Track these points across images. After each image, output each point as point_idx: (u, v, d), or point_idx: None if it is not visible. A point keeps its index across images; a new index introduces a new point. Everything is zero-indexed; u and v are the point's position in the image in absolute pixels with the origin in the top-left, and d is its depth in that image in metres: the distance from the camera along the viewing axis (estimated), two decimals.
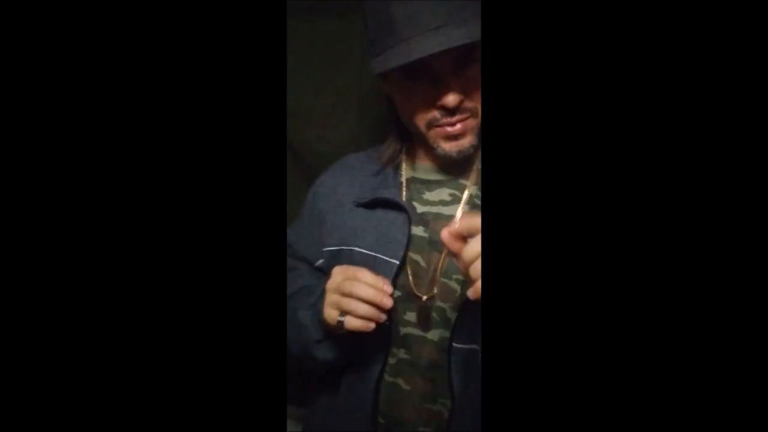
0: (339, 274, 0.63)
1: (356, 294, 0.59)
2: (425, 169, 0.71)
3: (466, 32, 0.57)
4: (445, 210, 0.67)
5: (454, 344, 0.63)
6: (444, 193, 0.68)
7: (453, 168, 0.69)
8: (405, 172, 0.71)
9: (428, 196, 0.69)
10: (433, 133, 0.64)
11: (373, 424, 0.66)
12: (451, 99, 0.60)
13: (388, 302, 0.59)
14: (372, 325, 0.60)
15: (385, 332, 0.65)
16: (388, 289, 0.59)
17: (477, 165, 0.67)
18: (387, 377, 0.67)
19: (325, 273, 0.73)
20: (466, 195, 0.66)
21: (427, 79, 0.61)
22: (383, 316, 0.60)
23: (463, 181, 0.68)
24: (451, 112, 0.61)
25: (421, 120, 0.64)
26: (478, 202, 0.65)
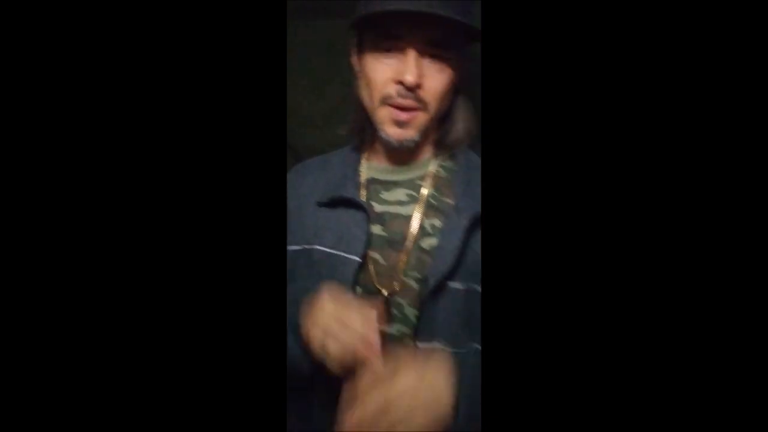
0: (330, 304, 0.60)
1: (346, 342, 0.57)
2: (383, 170, 0.72)
3: (452, 11, 0.59)
4: (402, 210, 0.69)
5: (418, 343, 0.63)
6: (401, 194, 0.70)
7: (409, 169, 0.71)
8: (364, 172, 0.73)
9: (385, 196, 0.70)
10: (382, 113, 0.66)
11: None
12: (410, 76, 0.62)
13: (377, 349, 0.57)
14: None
15: None
16: (378, 330, 0.57)
17: (433, 168, 0.71)
18: None
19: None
20: (423, 196, 0.69)
21: (396, 51, 0.63)
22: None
23: (419, 182, 0.70)
24: (406, 91, 0.63)
25: (378, 94, 0.65)
26: (434, 202, 0.68)
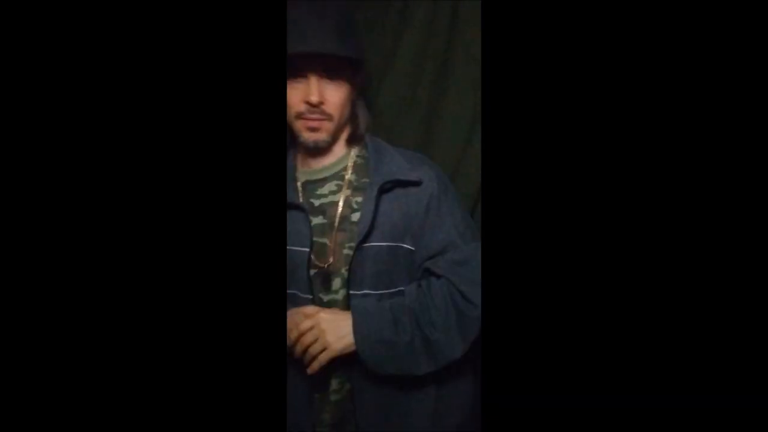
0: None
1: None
2: (313, 172, 0.92)
3: (340, 48, 0.82)
4: (334, 198, 0.89)
5: (351, 291, 0.85)
6: (331, 186, 0.90)
7: (333, 166, 0.91)
8: (300, 178, 0.92)
9: (320, 191, 0.90)
10: (299, 124, 0.86)
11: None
12: (313, 97, 0.83)
13: None
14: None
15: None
16: None
17: (352, 159, 0.92)
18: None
19: None
20: (347, 181, 0.89)
21: (301, 78, 0.85)
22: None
23: (342, 173, 0.90)
24: (313, 107, 0.84)
25: (293, 112, 0.86)
26: (356, 184, 0.89)
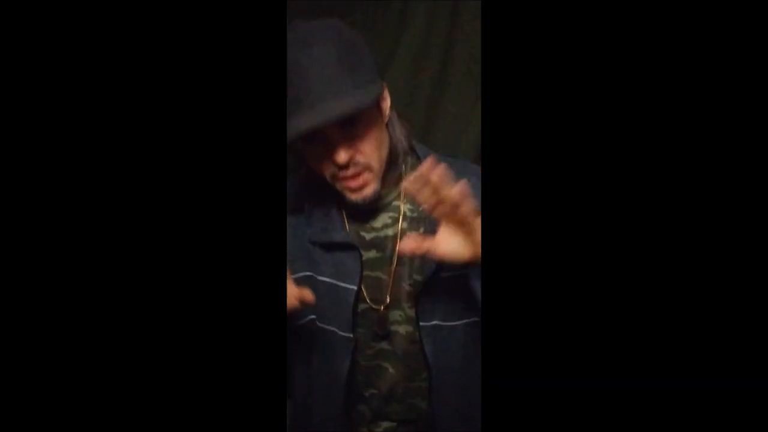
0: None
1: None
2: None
3: (344, 104, 0.67)
4: (390, 231, 0.79)
5: (421, 323, 0.77)
6: (385, 218, 0.80)
7: (385, 195, 0.79)
8: (344, 207, 0.80)
9: (373, 224, 0.80)
10: (339, 186, 0.74)
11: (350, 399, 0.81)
12: (341, 156, 0.70)
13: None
14: None
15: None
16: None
17: (403, 185, 0.77)
18: (369, 362, 0.81)
19: None
20: (402, 213, 0.79)
21: (319, 139, 0.71)
22: None
23: (396, 203, 0.80)
24: (345, 166, 0.71)
25: (326, 174, 0.74)
26: (413, 215, 0.79)
